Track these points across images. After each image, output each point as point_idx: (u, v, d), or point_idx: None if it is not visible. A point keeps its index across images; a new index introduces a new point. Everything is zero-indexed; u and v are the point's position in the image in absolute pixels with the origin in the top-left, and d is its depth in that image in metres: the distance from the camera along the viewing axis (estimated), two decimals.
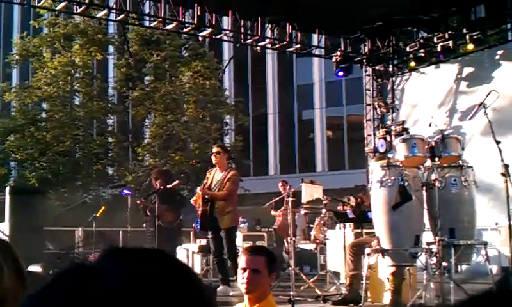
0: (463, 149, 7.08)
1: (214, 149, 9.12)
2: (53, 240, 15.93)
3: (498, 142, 6.59)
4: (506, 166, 6.54)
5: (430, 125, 7.37)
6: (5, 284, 1.20)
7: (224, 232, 8.72)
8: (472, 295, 0.83)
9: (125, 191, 14.20)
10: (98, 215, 12.34)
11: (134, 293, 0.73)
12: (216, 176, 8.90)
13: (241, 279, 3.82)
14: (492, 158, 7.05)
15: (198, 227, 13.93)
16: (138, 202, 11.16)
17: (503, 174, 6.53)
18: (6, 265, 1.22)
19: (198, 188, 9.17)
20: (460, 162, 6.97)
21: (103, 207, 12.93)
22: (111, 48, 27.84)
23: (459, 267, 6.91)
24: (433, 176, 6.73)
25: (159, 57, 24.89)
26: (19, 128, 25.25)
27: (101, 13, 12.67)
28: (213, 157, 9.00)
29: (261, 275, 3.79)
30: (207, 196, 8.78)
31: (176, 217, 10.89)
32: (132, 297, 0.73)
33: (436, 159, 6.80)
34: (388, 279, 7.41)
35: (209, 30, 13.11)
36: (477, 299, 0.82)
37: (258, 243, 13.87)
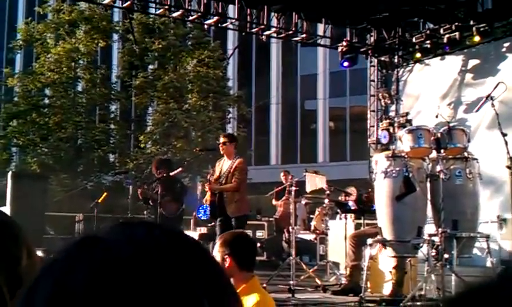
0: (468, 141, 7.03)
1: (221, 140, 8.99)
2: (54, 225, 15.96)
3: (504, 135, 6.53)
4: None
5: (437, 116, 7.32)
6: (22, 263, 1.21)
7: (234, 220, 8.61)
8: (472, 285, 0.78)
9: (127, 182, 14.19)
10: (100, 201, 12.30)
11: (147, 259, 0.72)
12: (223, 165, 8.80)
13: None
14: (495, 151, 7.01)
15: (200, 215, 13.94)
16: (139, 191, 11.00)
17: (508, 167, 6.47)
18: (22, 245, 1.23)
19: (206, 184, 9.04)
20: (465, 154, 6.92)
21: (105, 193, 12.88)
22: (115, 36, 27.77)
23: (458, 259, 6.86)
24: (438, 168, 6.68)
25: (160, 46, 24.79)
26: (21, 114, 25.20)
27: (107, 0, 12.59)
28: (220, 148, 8.90)
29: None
30: (216, 192, 8.69)
31: (178, 206, 10.80)
32: (145, 262, 0.72)
33: (442, 151, 6.75)
34: (390, 272, 7.37)
35: (215, 18, 13.04)
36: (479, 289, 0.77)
37: (258, 232, 13.89)
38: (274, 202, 14.25)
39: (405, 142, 6.88)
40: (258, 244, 13.62)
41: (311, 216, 11.44)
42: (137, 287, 0.69)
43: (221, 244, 3.93)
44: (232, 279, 3.83)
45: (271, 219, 14.71)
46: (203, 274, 0.75)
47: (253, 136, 33.02)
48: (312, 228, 10.99)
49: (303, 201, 10.99)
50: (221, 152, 8.85)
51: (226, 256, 3.83)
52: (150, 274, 0.71)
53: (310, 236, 11.82)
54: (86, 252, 0.73)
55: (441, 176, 6.60)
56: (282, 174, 13.92)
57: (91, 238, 0.76)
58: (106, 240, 0.75)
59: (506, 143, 6.49)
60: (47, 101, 26.73)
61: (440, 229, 6.59)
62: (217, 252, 3.88)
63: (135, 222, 0.81)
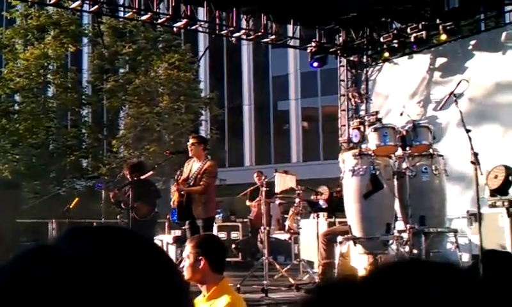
0: (434, 138, 7.15)
1: (190, 141, 9.01)
2: (26, 232, 15.82)
3: (468, 131, 6.64)
4: (476, 155, 6.60)
5: (401, 115, 7.43)
6: None
7: (201, 222, 8.64)
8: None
9: (98, 185, 14.13)
10: (71, 207, 12.23)
11: (83, 274, 0.72)
12: (193, 166, 8.79)
13: None
14: (465, 148, 7.12)
15: (174, 218, 13.92)
16: (111, 195, 10.97)
17: (472, 163, 6.59)
18: None
19: (172, 186, 9.06)
20: (431, 150, 7.04)
21: (76, 199, 12.81)
22: (85, 40, 27.60)
23: (430, 254, 6.96)
24: (404, 165, 6.80)
25: (131, 49, 24.71)
26: None
27: (74, 4, 12.52)
28: (189, 149, 8.90)
29: (187, 263, 3.89)
30: (182, 192, 8.69)
31: (151, 209, 10.73)
32: (81, 278, 0.72)
33: (407, 148, 6.86)
34: (365, 269, 7.44)
35: (184, 21, 13.02)
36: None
37: (233, 234, 13.93)
38: (248, 203, 14.28)
39: (371, 141, 6.98)
40: (233, 245, 13.67)
41: (285, 216, 11.50)
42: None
43: (193, 246, 3.95)
44: (198, 279, 3.85)
45: (245, 220, 14.75)
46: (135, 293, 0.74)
47: (227, 138, 33.03)
48: (286, 227, 11.07)
49: (277, 201, 11.05)
50: (190, 154, 8.86)
51: (201, 258, 3.86)
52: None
53: (284, 236, 11.89)
54: (29, 266, 0.75)
55: (408, 173, 6.72)
56: (255, 174, 13.95)
57: (39, 250, 0.77)
58: (54, 252, 0.75)
59: (470, 139, 6.60)
60: (16, 107, 26.43)
61: (407, 226, 6.70)
62: (190, 254, 3.90)
63: (93, 229, 0.80)
